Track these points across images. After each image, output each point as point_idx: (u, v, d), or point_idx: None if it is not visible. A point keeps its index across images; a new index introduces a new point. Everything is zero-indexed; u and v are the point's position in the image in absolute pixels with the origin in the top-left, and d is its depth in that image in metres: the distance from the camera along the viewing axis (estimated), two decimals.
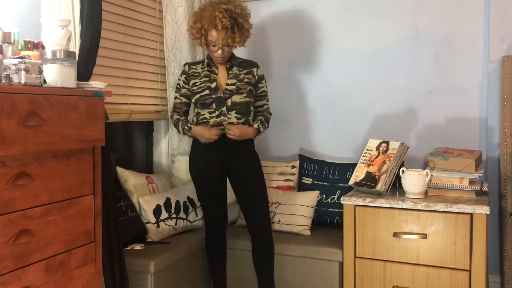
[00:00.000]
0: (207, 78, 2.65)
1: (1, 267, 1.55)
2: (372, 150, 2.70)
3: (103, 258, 2.04)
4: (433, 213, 2.35)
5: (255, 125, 2.63)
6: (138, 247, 2.62)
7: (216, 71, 2.68)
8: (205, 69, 2.69)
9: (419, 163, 2.99)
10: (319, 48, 3.25)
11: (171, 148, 3.23)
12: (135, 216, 2.69)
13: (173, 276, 2.62)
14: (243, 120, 2.61)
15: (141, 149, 3.32)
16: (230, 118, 2.58)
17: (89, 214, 1.93)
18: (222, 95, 2.60)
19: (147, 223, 2.72)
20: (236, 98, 2.59)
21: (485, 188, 2.48)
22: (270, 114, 2.80)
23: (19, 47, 1.87)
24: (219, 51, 2.57)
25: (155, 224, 2.73)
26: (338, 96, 3.21)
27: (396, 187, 2.63)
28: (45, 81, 1.77)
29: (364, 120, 3.16)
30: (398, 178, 2.59)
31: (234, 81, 2.63)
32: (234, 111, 2.59)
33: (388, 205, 2.43)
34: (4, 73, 1.61)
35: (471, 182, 2.48)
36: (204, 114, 2.61)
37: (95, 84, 2.00)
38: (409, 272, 2.40)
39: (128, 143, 3.28)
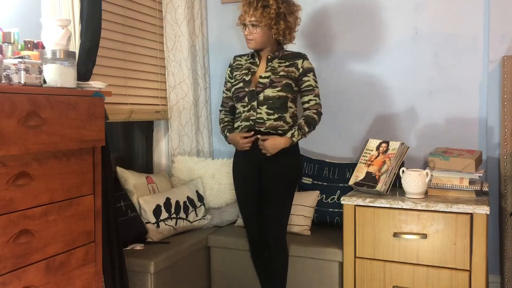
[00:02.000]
0: (246, 71, 2.56)
1: (1, 267, 1.55)
2: (372, 150, 2.70)
3: (103, 258, 2.04)
4: (433, 213, 2.35)
5: (288, 134, 2.44)
6: (138, 247, 2.62)
7: (258, 63, 2.56)
8: (249, 61, 2.59)
9: (419, 163, 2.98)
10: (319, 48, 3.25)
11: (171, 148, 3.23)
12: (135, 216, 2.69)
13: (173, 276, 2.62)
14: (276, 116, 2.46)
15: (141, 149, 3.33)
16: (260, 113, 2.46)
17: (89, 214, 1.93)
18: (255, 88, 2.49)
19: (147, 223, 2.72)
20: (269, 92, 2.46)
21: (485, 188, 2.48)
22: (318, 112, 2.52)
23: (19, 47, 1.87)
24: (246, 31, 2.47)
25: (155, 224, 2.73)
26: (338, 96, 3.20)
27: (396, 187, 2.63)
28: (45, 81, 1.78)
29: (364, 120, 3.16)
30: (398, 178, 2.58)
31: (269, 74, 2.49)
32: (266, 106, 2.46)
33: (388, 205, 2.42)
34: (4, 73, 1.61)
35: (471, 182, 2.48)
36: (239, 108, 2.55)
37: (95, 84, 2.00)
38: (409, 272, 2.40)
39: (128, 143, 3.29)
